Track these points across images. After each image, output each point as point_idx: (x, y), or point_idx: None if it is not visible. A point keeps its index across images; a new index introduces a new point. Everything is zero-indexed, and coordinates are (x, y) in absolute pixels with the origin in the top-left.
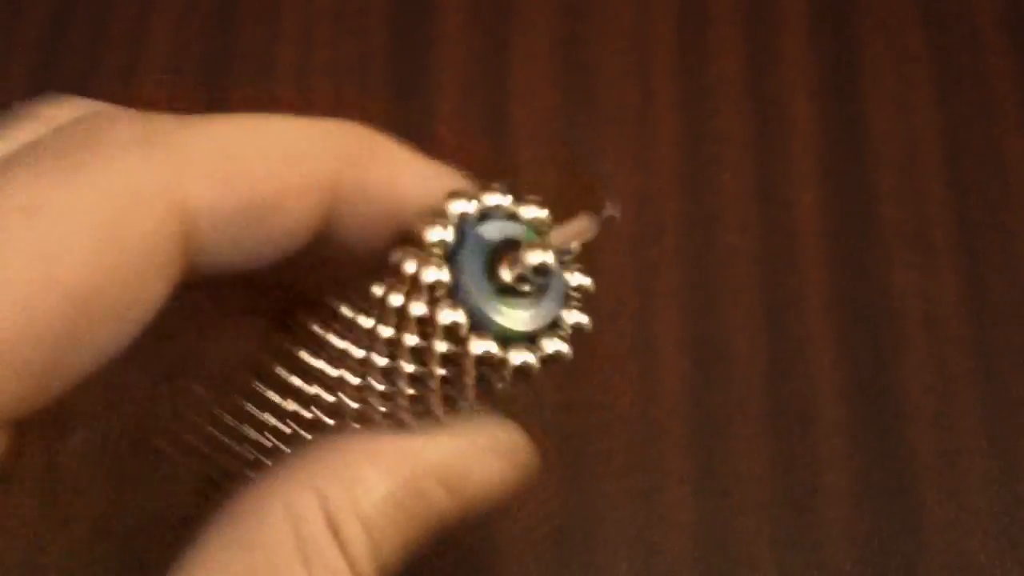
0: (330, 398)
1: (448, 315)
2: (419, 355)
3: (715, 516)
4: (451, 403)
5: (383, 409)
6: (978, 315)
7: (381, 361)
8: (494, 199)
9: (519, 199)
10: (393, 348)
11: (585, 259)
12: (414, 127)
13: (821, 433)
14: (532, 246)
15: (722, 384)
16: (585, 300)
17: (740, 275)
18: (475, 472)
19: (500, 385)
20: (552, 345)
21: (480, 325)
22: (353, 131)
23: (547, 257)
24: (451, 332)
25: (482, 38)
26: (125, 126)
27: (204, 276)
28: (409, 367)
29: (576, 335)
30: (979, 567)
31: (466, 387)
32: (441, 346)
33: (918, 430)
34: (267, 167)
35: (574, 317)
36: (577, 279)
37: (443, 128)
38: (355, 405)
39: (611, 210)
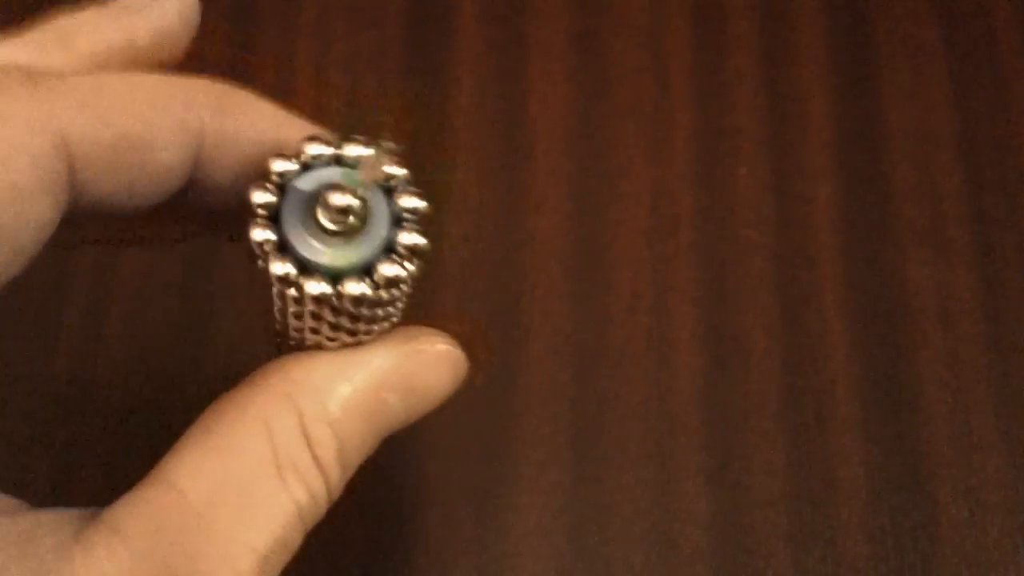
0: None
1: (277, 267)
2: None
3: (730, 509)
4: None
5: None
6: (993, 311)
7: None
8: (316, 149)
9: (347, 140)
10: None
11: (421, 182)
12: (430, 120)
13: (836, 428)
14: (334, 188)
15: (737, 378)
16: (421, 221)
17: (755, 270)
18: (419, 375)
19: (351, 312)
20: (386, 269)
21: (312, 269)
22: (217, 84)
23: (347, 199)
24: (284, 280)
25: (498, 31)
26: (11, 71)
27: (96, 210)
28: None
29: (415, 254)
30: (993, 562)
31: (323, 322)
32: (293, 291)
33: (933, 426)
34: (137, 108)
35: (409, 239)
36: (409, 202)
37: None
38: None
39: (388, 142)
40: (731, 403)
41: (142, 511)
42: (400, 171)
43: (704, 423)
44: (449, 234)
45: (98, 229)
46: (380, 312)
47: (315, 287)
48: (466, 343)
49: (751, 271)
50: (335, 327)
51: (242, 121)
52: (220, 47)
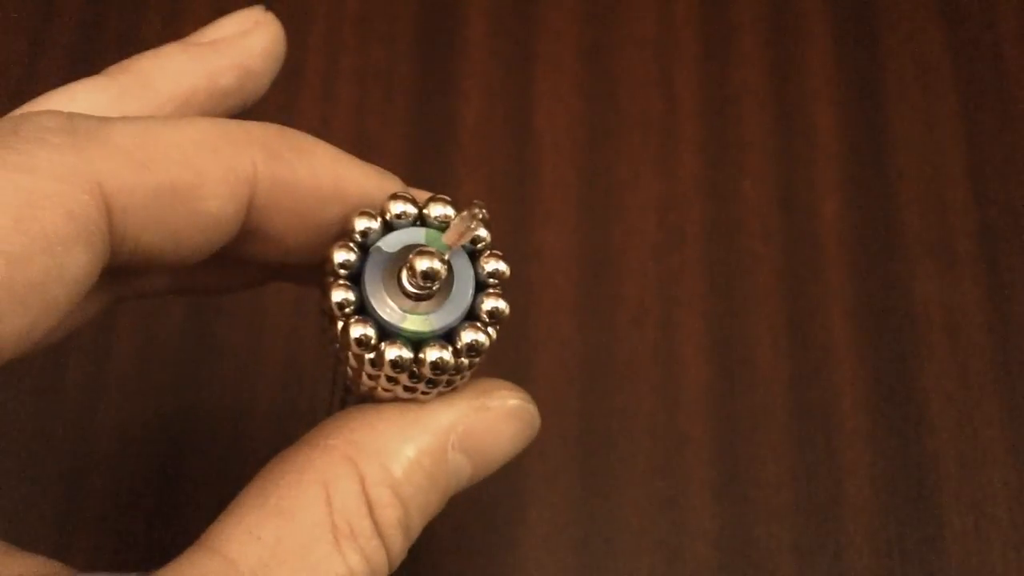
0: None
1: (357, 330)
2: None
3: (737, 523)
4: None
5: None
6: (1000, 324)
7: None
8: (400, 207)
9: (431, 199)
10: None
11: (499, 245)
12: (439, 134)
13: (843, 441)
14: (420, 253)
15: (745, 391)
16: (502, 285)
17: (762, 283)
18: (488, 433)
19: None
20: (468, 335)
21: (392, 333)
22: (271, 127)
23: (432, 263)
24: (363, 344)
25: (507, 45)
26: (51, 118)
27: (142, 262)
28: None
29: (497, 320)
30: None
31: (398, 384)
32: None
33: (939, 439)
34: (182, 155)
35: (492, 304)
36: (492, 266)
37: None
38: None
39: (478, 206)
40: (738, 416)
41: None
42: (485, 234)
43: (711, 436)
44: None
45: (145, 281)
46: (458, 377)
47: (394, 353)
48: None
49: (758, 284)
50: (409, 388)
51: (298, 167)
52: None
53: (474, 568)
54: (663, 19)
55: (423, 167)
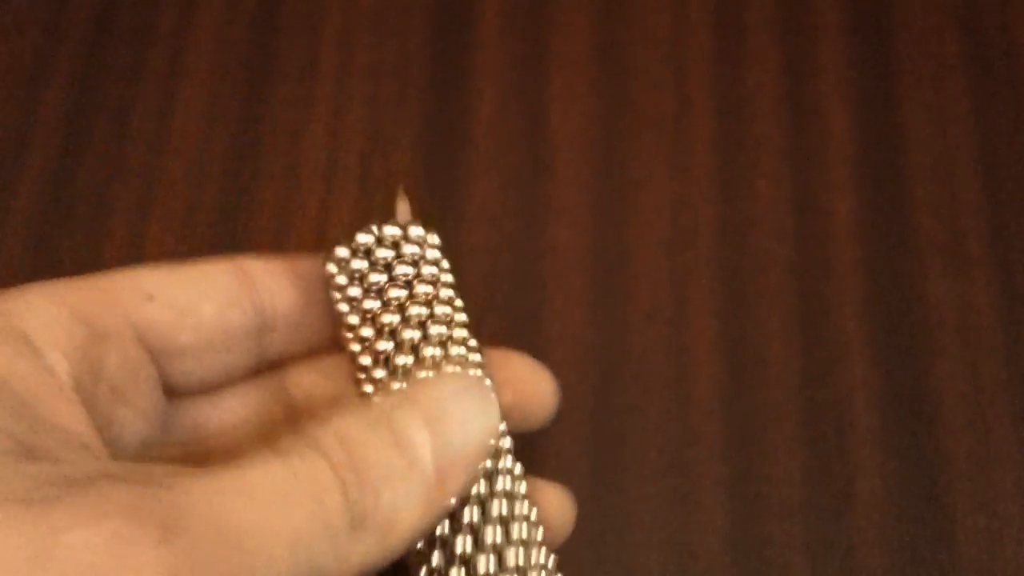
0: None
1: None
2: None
3: (748, 520)
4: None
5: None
6: (1012, 324)
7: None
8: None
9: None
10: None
11: None
12: (453, 131)
13: (855, 440)
14: None
15: (756, 389)
16: None
17: (775, 281)
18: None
19: None
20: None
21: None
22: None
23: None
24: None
25: (521, 43)
26: None
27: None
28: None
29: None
30: (1010, 575)
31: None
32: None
33: (951, 438)
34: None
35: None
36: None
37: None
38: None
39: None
40: (750, 414)
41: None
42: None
43: (723, 434)
44: (470, 244)
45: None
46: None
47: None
48: None
49: (771, 283)
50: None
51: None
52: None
53: None
54: (677, 19)
55: (437, 164)
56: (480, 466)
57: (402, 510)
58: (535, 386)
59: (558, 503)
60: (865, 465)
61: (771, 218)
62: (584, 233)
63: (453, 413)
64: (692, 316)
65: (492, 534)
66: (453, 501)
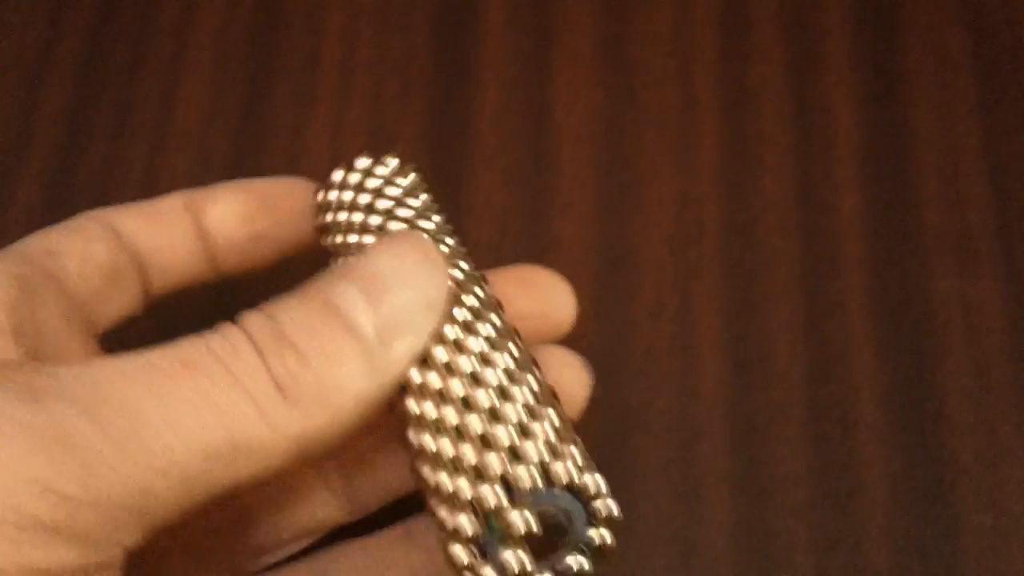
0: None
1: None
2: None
3: (753, 517)
4: None
5: None
6: (1019, 322)
7: None
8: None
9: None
10: None
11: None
12: (457, 126)
13: (860, 437)
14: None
15: (762, 386)
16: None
17: (780, 278)
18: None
19: None
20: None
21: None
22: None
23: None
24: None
25: (525, 37)
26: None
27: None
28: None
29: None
30: (1017, 572)
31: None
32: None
33: (957, 435)
34: None
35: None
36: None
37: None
38: None
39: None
40: (755, 411)
41: None
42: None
43: (728, 430)
44: (474, 239)
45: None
46: None
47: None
48: None
49: (776, 280)
50: None
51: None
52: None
53: None
54: (682, 13)
55: (440, 158)
56: (432, 323)
57: (340, 377)
58: (553, 296)
59: (568, 364)
60: (871, 462)
61: (776, 214)
62: (588, 228)
63: (391, 273)
64: (697, 312)
65: (495, 376)
66: (405, 364)
